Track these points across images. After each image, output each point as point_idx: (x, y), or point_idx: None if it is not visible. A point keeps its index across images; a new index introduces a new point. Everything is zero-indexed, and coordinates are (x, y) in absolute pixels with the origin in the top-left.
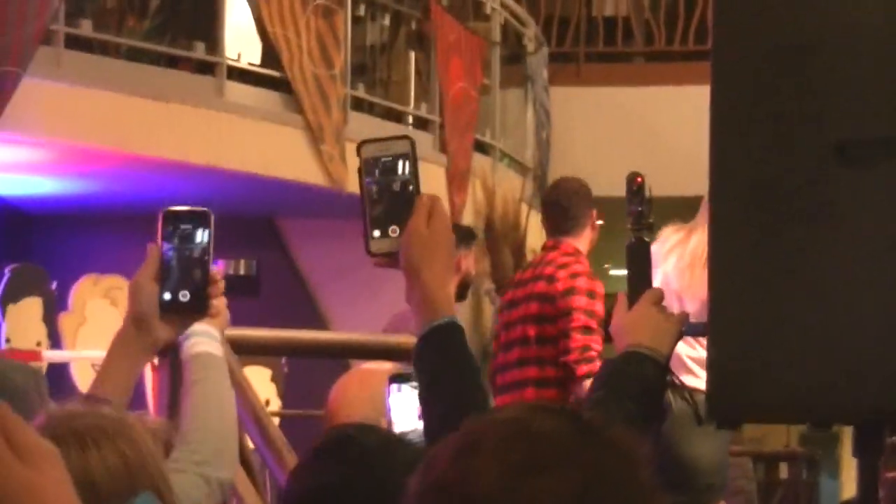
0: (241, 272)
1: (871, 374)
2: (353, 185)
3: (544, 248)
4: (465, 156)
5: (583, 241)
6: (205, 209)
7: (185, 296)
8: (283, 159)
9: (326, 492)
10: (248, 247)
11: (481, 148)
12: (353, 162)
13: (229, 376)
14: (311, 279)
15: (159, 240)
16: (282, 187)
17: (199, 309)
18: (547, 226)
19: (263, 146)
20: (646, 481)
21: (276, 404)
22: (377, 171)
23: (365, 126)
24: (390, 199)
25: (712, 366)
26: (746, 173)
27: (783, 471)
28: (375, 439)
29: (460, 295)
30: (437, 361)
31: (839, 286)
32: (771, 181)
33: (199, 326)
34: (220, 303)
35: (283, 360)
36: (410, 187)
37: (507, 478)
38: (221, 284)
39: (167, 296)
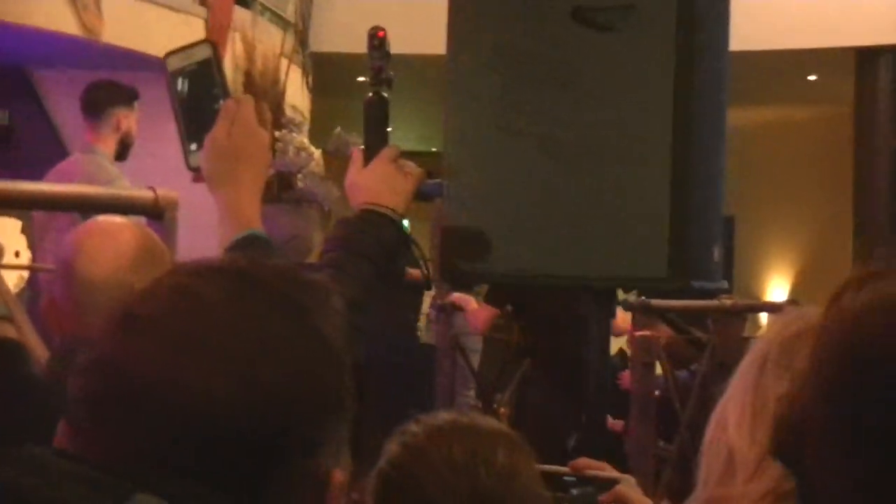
0: None
1: (602, 240)
2: (108, 36)
3: None
4: (226, 9)
5: None
6: None
7: None
8: (35, 7)
9: None
10: (1, 97)
11: (242, 1)
12: (108, 10)
13: None
14: (66, 130)
15: None
16: (34, 36)
17: None
18: None
19: None
20: (328, 333)
21: (25, 256)
22: (184, 82)
23: None
24: (201, 108)
25: (446, 227)
26: (487, 34)
27: None
28: None
29: (120, 155)
30: None
31: (573, 150)
32: (511, 43)
33: None
34: None
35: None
36: (217, 93)
37: (167, 352)
38: None
39: None
